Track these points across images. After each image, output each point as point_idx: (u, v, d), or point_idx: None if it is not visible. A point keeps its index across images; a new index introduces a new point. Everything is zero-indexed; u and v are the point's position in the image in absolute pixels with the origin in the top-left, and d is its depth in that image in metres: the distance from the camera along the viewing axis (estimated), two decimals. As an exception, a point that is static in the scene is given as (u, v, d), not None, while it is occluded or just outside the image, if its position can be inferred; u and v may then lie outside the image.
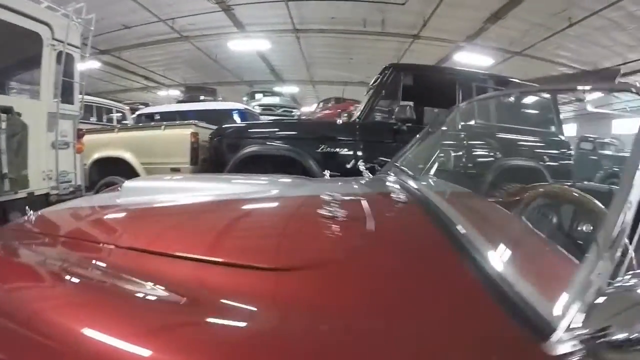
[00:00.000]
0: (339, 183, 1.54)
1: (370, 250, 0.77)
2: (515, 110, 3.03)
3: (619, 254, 0.46)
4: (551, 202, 1.04)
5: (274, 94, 12.24)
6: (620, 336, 0.41)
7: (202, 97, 10.40)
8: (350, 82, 13.72)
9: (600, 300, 0.44)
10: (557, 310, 0.45)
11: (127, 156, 3.44)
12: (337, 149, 2.99)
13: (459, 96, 3.14)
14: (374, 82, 3.57)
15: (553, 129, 3.33)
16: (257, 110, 9.20)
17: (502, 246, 0.71)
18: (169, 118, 5.79)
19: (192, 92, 11.52)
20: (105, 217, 1.04)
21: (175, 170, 3.32)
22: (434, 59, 10.80)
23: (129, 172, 3.32)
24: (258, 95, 11.90)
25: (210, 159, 3.26)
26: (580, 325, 0.43)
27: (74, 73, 3.22)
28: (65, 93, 3.05)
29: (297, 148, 2.97)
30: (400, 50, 10.49)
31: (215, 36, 9.66)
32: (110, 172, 3.58)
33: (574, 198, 0.96)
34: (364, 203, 1.10)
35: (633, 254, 0.49)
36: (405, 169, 1.55)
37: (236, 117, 6.96)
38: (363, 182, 1.51)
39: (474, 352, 0.46)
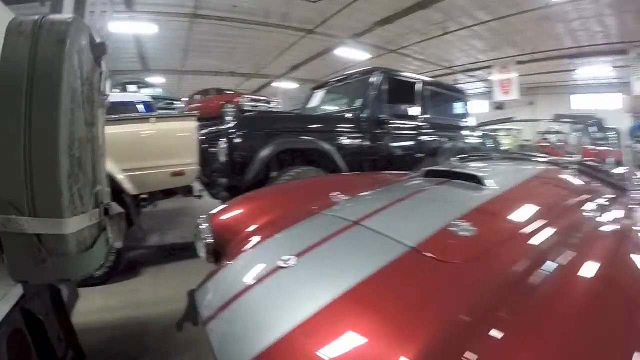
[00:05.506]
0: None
1: None
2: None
3: None
4: None
5: (147, 85, 11.00)
6: None
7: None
8: (220, 73, 13.29)
9: None
10: None
11: None
12: (349, 141, 3.27)
13: (421, 97, 3.86)
14: (346, 80, 3.93)
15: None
16: None
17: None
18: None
19: None
20: None
21: (179, 175, 2.84)
22: (314, 52, 11.64)
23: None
24: (131, 87, 10.40)
25: (230, 155, 2.83)
26: None
27: None
28: None
29: (323, 142, 3.05)
30: (284, 43, 10.81)
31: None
32: None
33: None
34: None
35: None
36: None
37: (142, 110, 6.28)
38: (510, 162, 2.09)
39: None
